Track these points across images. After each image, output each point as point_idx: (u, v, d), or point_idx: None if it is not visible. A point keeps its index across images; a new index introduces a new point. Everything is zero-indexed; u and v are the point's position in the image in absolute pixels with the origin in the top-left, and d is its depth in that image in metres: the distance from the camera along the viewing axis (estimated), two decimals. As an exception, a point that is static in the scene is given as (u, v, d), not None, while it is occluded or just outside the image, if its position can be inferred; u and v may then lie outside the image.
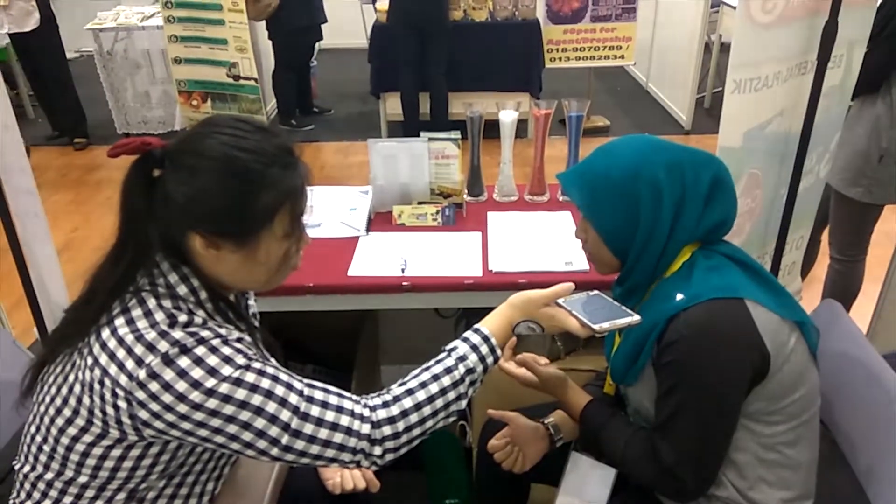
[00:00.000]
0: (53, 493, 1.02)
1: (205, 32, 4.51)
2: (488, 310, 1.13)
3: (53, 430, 0.99)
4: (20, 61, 4.89)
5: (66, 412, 0.97)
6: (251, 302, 1.23)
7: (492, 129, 2.04)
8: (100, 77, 4.97)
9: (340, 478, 1.30)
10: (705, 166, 1.14)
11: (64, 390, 0.98)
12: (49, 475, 1.02)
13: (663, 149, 1.15)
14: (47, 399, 1.00)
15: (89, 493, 1.01)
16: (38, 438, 1.02)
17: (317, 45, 5.27)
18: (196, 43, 4.56)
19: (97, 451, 0.97)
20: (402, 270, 1.70)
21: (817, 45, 1.54)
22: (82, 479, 1.00)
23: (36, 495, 1.04)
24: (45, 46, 4.51)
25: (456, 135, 1.96)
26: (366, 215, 1.95)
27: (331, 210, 1.99)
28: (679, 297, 1.10)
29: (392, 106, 4.79)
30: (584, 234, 1.23)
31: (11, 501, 1.08)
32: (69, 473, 1.00)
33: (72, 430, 0.97)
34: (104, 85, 5.00)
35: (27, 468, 1.04)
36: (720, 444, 1.11)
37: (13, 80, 5.48)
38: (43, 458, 1.01)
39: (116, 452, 0.97)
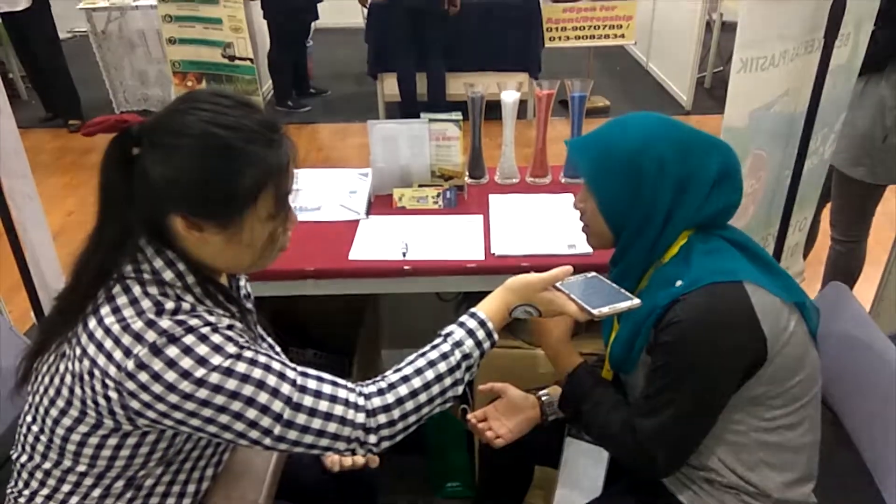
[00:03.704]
0: (52, 482, 1.01)
1: (199, 11, 4.45)
2: (490, 294, 1.12)
3: (49, 421, 0.97)
4: (12, 42, 4.83)
5: (60, 403, 0.95)
6: (242, 283, 1.19)
7: (491, 110, 2.02)
8: (95, 57, 4.92)
9: (339, 456, 1.29)
10: (715, 152, 1.12)
11: (56, 381, 0.96)
12: (47, 465, 1.01)
13: (677, 129, 1.13)
14: (41, 389, 0.99)
15: (87, 481, 1.00)
16: (35, 428, 1.00)
17: (313, 24, 5.21)
18: (190, 22, 4.50)
19: (93, 440, 0.96)
20: (404, 254, 1.69)
21: (824, 23, 1.51)
22: (80, 468, 0.99)
23: (34, 484, 1.03)
24: (37, 26, 4.44)
25: (457, 116, 1.93)
26: (366, 198, 1.93)
27: (330, 193, 1.97)
28: (678, 283, 1.08)
29: (389, 87, 4.75)
30: (582, 204, 1.21)
31: (9, 491, 1.07)
32: (67, 463, 0.99)
33: (66, 421, 0.96)
34: (100, 64, 4.95)
35: (24, 458, 1.03)
36: (699, 429, 1.11)
37: (5, 61, 5.42)
38: (40, 447, 1.00)
39: (113, 441, 0.96)
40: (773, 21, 1.45)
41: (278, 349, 1.27)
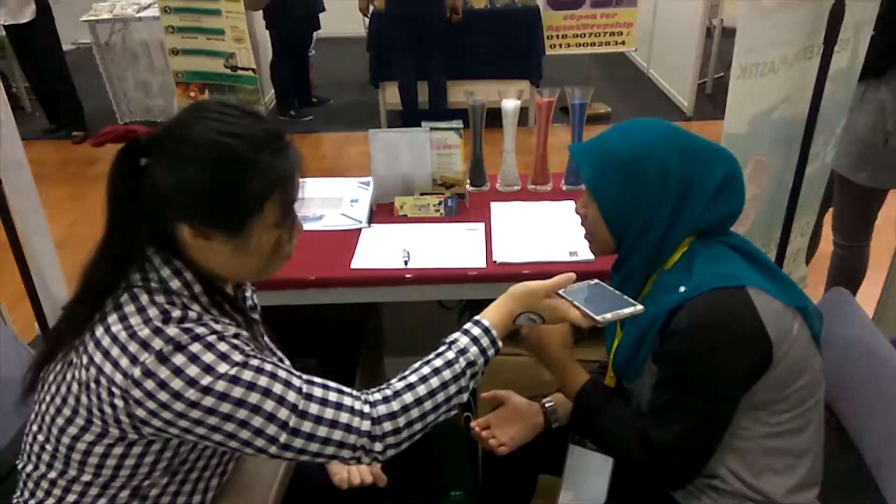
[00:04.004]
0: (57, 492, 1.01)
1: (201, 23, 4.47)
2: (492, 301, 1.12)
3: (55, 430, 0.98)
4: (16, 54, 4.85)
5: (66, 412, 0.96)
6: (248, 293, 1.20)
7: (492, 117, 2.02)
8: (98, 68, 4.95)
9: (347, 473, 1.29)
10: (719, 161, 1.12)
11: (63, 389, 0.96)
12: (52, 474, 1.01)
13: (680, 136, 1.13)
14: (47, 398, 0.99)
15: (93, 490, 1.00)
16: (41, 438, 1.01)
17: (315, 34, 5.24)
18: (193, 34, 4.52)
19: (99, 449, 0.96)
20: (406, 262, 1.69)
21: (824, 28, 1.52)
22: (86, 477, 0.99)
23: (39, 494, 1.03)
24: (41, 38, 4.48)
25: (458, 124, 1.94)
26: (367, 207, 1.94)
27: (332, 202, 1.98)
28: (681, 289, 1.08)
29: (391, 95, 4.77)
30: (584, 210, 1.21)
31: (15, 500, 1.07)
32: (72, 472, 0.99)
33: (72, 430, 0.96)
34: (104, 76, 4.98)
35: (30, 467, 1.04)
36: (713, 435, 1.11)
37: (9, 73, 5.45)
38: (46, 457, 1.01)
39: (118, 450, 0.96)
40: (772, 27, 1.46)
41: (287, 362, 1.27)
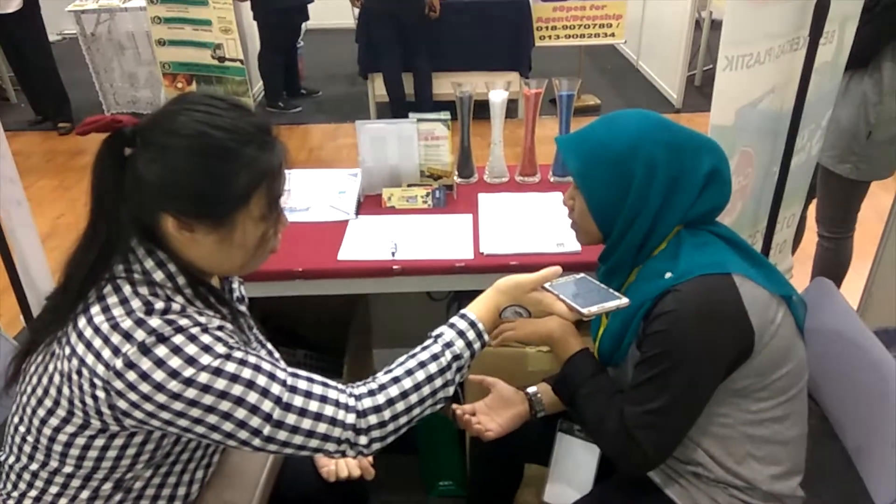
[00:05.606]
0: (39, 484, 1.01)
1: (188, 13, 4.44)
2: (480, 292, 1.12)
3: (36, 421, 0.97)
4: (1, 45, 4.80)
5: (48, 403, 0.95)
6: (235, 285, 1.19)
7: (481, 109, 2.02)
8: (84, 59, 4.90)
9: (335, 465, 1.29)
10: (706, 153, 1.12)
11: (44, 380, 0.96)
12: (34, 466, 1.00)
13: (667, 128, 1.13)
14: (29, 389, 0.98)
15: (75, 482, 1.00)
16: (22, 429, 1.00)
17: (303, 25, 5.21)
18: (180, 24, 4.50)
19: (80, 441, 0.96)
20: (393, 254, 1.69)
21: (809, 20, 1.52)
22: (67, 469, 0.99)
23: (22, 486, 1.03)
24: (27, 29, 4.43)
25: (445, 115, 1.94)
26: (355, 198, 1.93)
27: (320, 193, 1.97)
28: (668, 275, 1.09)
29: (380, 87, 4.75)
30: (571, 202, 1.21)
31: (-2, 493, 1.07)
32: (54, 464, 0.99)
33: (54, 421, 0.96)
34: (90, 67, 4.93)
35: (12, 459, 1.03)
36: (686, 418, 1.11)
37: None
38: (27, 448, 1.00)
39: (100, 442, 0.96)
40: (758, 19, 1.46)
41: (277, 355, 1.27)
